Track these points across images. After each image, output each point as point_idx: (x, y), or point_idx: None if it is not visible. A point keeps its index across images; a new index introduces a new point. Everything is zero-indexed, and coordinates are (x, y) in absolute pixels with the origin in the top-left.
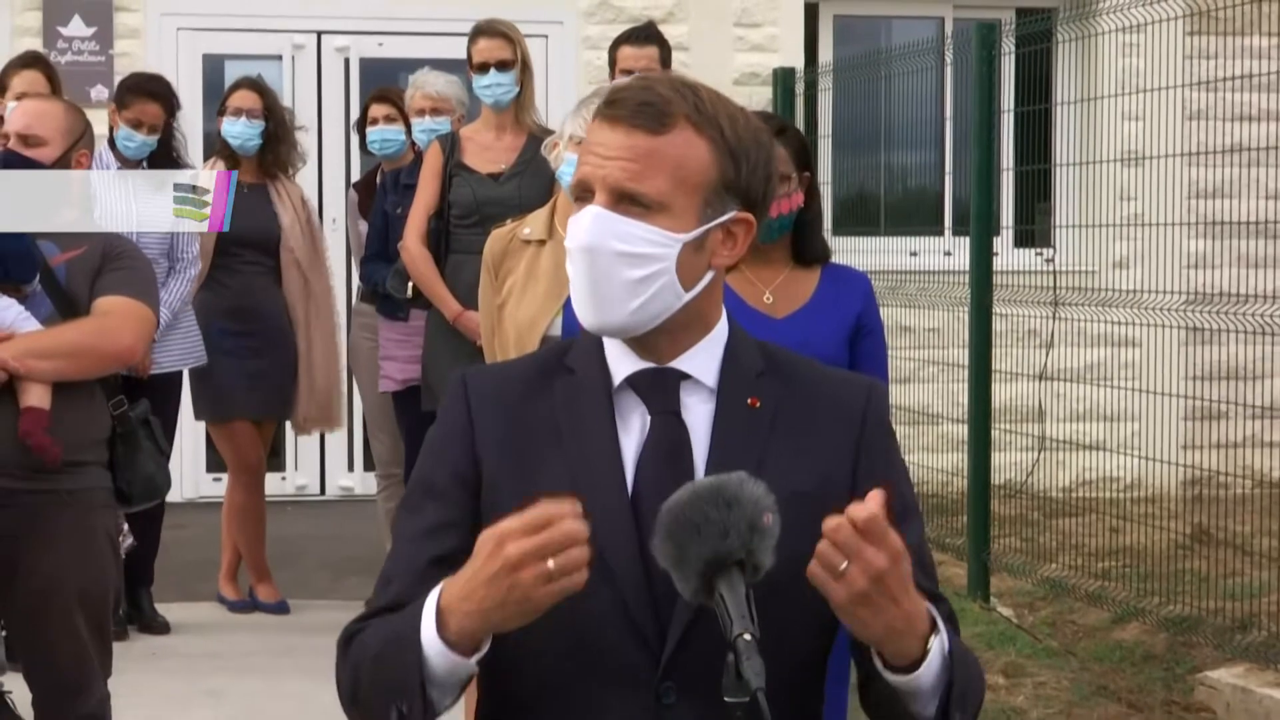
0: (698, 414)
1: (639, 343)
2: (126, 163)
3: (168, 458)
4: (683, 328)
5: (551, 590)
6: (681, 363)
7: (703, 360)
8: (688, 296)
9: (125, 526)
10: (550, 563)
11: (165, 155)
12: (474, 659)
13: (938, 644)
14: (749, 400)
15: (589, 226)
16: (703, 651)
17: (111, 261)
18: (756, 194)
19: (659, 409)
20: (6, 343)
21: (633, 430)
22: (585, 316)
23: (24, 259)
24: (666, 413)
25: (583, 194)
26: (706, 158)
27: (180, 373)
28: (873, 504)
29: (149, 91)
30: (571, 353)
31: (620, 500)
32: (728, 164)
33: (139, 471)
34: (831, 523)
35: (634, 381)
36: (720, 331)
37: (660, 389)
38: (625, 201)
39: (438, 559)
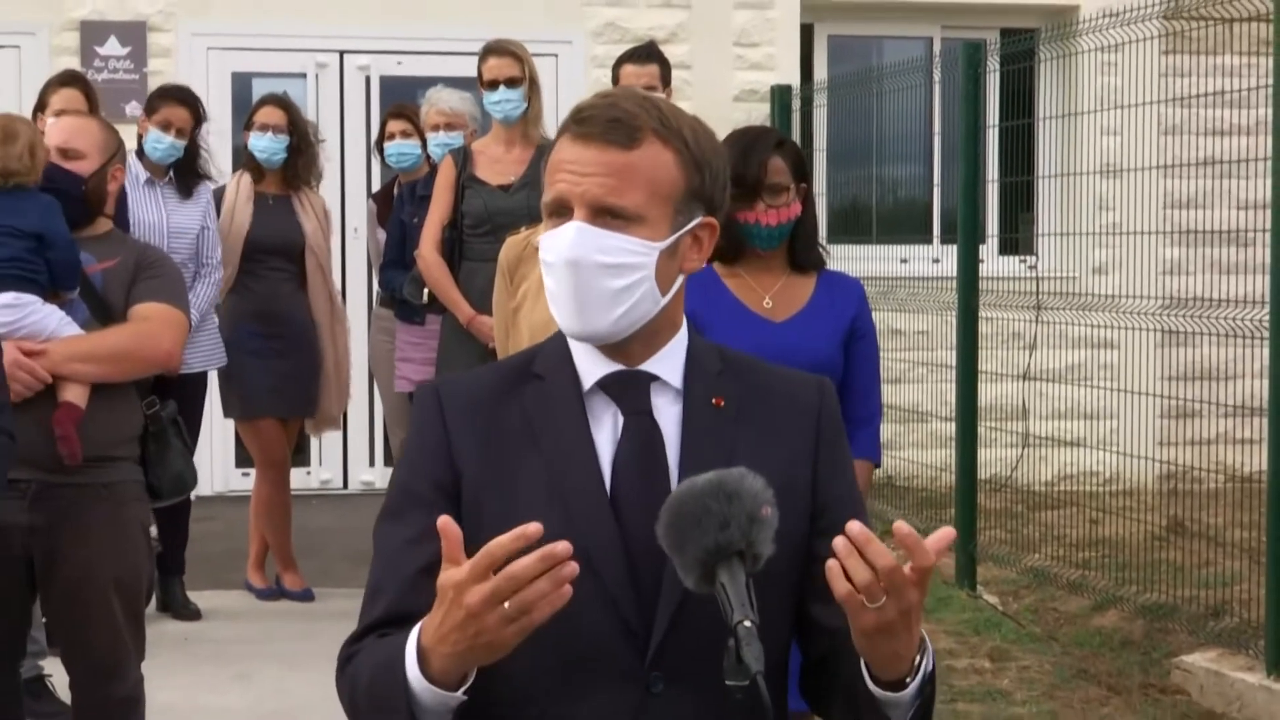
0: (667, 414)
1: (613, 347)
2: (154, 169)
3: (192, 454)
4: (655, 332)
5: (516, 629)
6: (650, 365)
7: (669, 363)
8: (664, 301)
9: (154, 531)
10: (506, 605)
11: (190, 166)
12: (460, 691)
13: (923, 666)
14: (714, 400)
15: (573, 240)
16: (688, 642)
17: (145, 270)
18: (719, 200)
19: (632, 409)
20: (53, 347)
21: (605, 431)
22: (570, 325)
23: (71, 268)
24: (639, 413)
25: (559, 210)
26: (675, 168)
27: (206, 373)
28: (935, 554)
29: (178, 97)
30: (538, 359)
31: (600, 500)
32: (693, 173)
33: (169, 468)
34: (888, 562)
35: (605, 384)
36: (683, 334)
37: (632, 391)
38: (604, 215)
39: (425, 569)
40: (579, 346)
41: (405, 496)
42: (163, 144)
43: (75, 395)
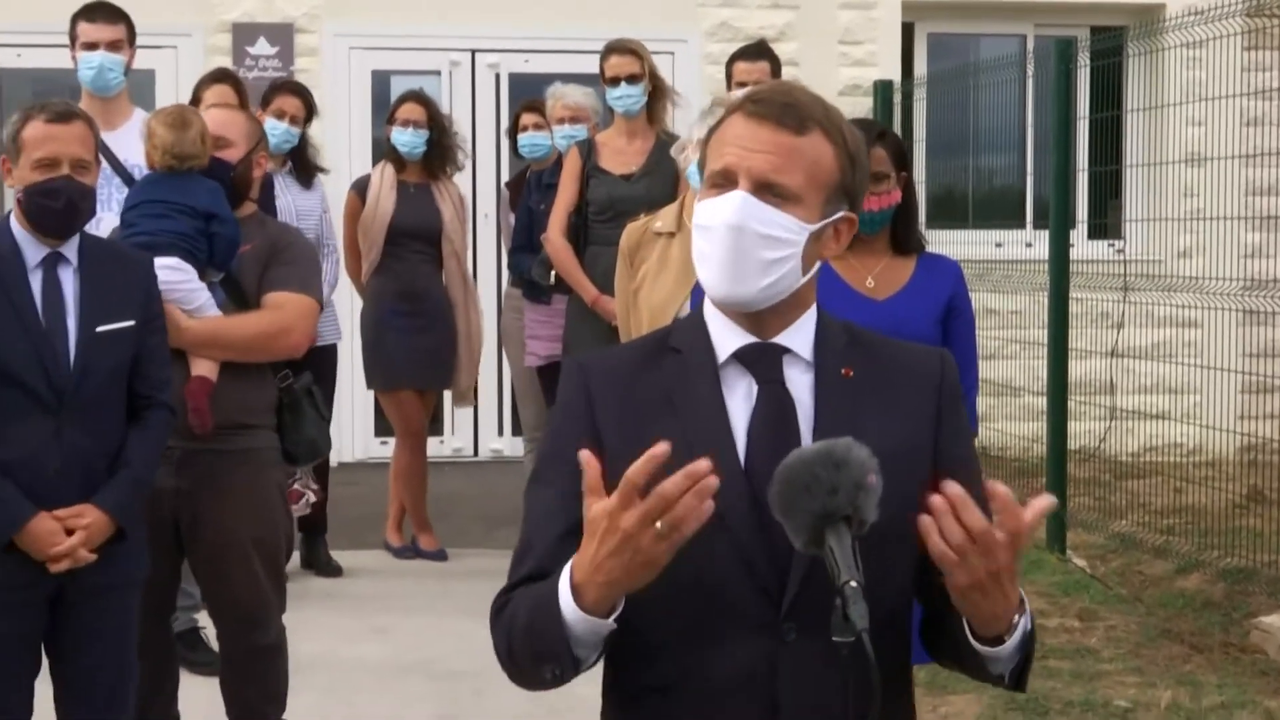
0: (799, 384)
1: (751, 319)
2: (273, 158)
3: (328, 423)
4: (789, 308)
5: (668, 546)
6: (782, 338)
7: (800, 336)
8: (804, 280)
9: (315, 487)
10: (659, 524)
11: (302, 157)
12: (611, 618)
13: (1021, 625)
14: (843, 370)
15: (738, 207)
16: (819, 596)
17: (280, 254)
18: (860, 197)
19: (766, 379)
20: (195, 326)
21: (739, 399)
22: (717, 287)
23: (234, 246)
24: (773, 382)
25: (722, 180)
26: (832, 161)
27: (334, 345)
28: (1030, 519)
29: (291, 89)
30: (674, 335)
31: (734, 464)
32: (847, 168)
33: (303, 435)
34: (980, 525)
35: (741, 355)
36: (813, 312)
37: (766, 361)
38: (766, 190)
39: (569, 530)
40: (715, 321)
41: (552, 462)
42: (278, 130)
43: (206, 369)
